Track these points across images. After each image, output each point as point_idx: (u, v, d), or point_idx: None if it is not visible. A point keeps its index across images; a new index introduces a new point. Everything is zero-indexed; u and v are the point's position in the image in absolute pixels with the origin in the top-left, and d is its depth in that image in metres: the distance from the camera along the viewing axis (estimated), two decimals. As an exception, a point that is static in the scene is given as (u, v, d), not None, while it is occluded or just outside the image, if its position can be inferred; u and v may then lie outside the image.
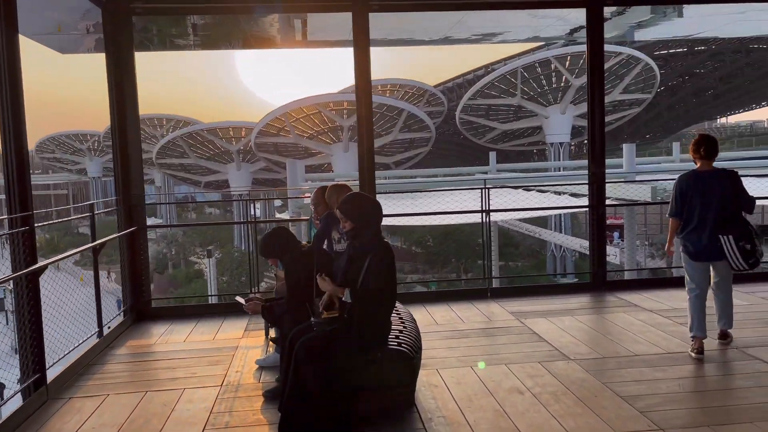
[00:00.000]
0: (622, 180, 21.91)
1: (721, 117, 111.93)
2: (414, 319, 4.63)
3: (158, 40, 8.72)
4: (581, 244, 32.49)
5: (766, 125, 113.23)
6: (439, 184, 31.06)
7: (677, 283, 7.17)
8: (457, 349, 5.25)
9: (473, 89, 54.05)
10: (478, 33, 9.45)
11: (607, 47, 51.73)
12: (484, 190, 6.93)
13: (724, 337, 5.18)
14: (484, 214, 7.15)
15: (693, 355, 4.89)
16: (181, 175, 72.76)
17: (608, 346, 5.20)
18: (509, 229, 47.69)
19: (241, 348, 5.51)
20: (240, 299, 4.82)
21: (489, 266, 7.40)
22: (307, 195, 21.79)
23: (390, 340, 3.94)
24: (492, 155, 39.49)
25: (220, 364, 5.07)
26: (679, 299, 6.45)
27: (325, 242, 4.88)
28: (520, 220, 43.16)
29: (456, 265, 54.37)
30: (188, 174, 71.41)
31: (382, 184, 34.88)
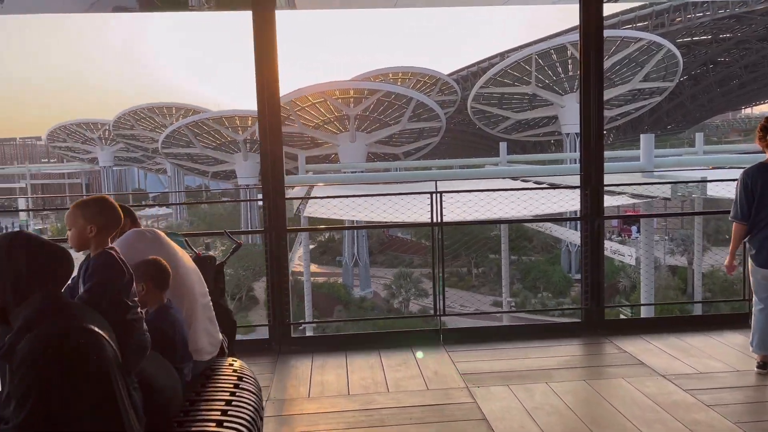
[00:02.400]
0: (637, 182, 19.74)
1: (746, 107, 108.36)
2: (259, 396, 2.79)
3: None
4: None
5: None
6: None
7: (709, 323, 5.24)
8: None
9: (485, 77, 51.87)
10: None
11: (627, 33, 49.38)
12: (434, 197, 5.02)
13: None
14: (435, 227, 5.23)
15: (757, 370, 4.34)
16: (188, 165, 71.44)
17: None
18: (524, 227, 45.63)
19: None
20: None
21: (442, 299, 5.44)
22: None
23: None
24: (502, 146, 37.38)
25: None
26: (714, 351, 4.54)
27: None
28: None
29: (467, 259, 52.51)
30: (195, 164, 70.05)
31: (387, 175, 33.16)
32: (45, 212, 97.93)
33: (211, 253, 3.67)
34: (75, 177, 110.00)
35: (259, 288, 46.00)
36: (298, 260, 62.78)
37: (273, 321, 4.88)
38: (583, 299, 5.21)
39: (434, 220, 5.12)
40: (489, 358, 4.68)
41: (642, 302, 18.14)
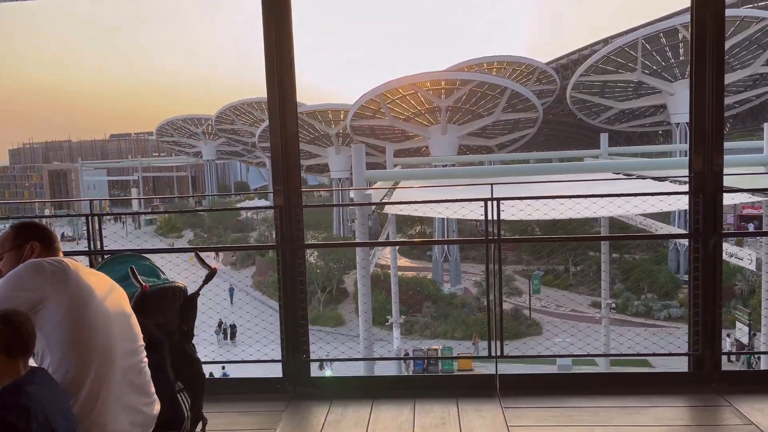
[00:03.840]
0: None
1: None
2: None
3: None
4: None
5: None
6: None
7: None
8: None
9: (586, 64, 48.94)
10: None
11: (747, 11, 44.81)
12: (490, 205, 3.85)
13: None
14: (490, 244, 4.06)
15: None
16: (283, 159, 72.82)
17: None
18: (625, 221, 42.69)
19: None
20: None
21: (500, 337, 4.28)
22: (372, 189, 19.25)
23: None
24: (603, 137, 34.88)
25: None
26: None
27: None
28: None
29: (565, 256, 49.98)
30: (289, 157, 71.23)
31: (474, 169, 31.75)
32: (155, 204, 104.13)
33: (179, 282, 2.77)
34: (182, 170, 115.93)
35: (350, 281, 45.96)
36: (387, 254, 62.62)
37: (287, 356, 3.98)
38: (692, 342, 3.89)
39: (489, 234, 3.95)
40: (558, 423, 3.52)
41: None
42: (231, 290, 42.84)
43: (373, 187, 18.40)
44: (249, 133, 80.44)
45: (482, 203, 3.85)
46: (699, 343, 3.86)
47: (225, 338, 33.30)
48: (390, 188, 25.85)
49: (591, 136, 58.56)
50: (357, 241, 17.37)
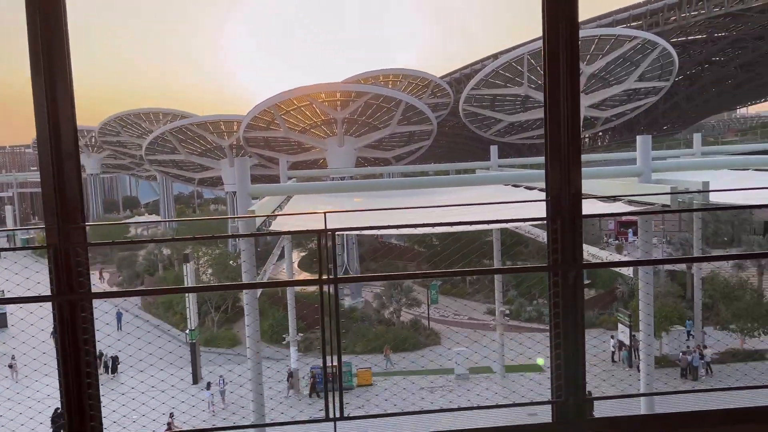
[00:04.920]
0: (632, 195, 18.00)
1: (741, 107, 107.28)
2: None
3: None
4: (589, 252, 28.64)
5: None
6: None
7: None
8: None
9: (476, 78, 50.37)
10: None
11: (621, 31, 47.80)
12: (323, 236, 3.21)
13: None
14: (324, 285, 3.43)
15: None
16: (173, 172, 69.67)
17: None
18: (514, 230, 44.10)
19: None
20: None
21: (340, 395, 3.65)
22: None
23: None
24: (493, 149, 35.81)
25: None
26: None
27: None
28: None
29: (461, 267, 50.90)
30: (181, 171, 68.28)
31: (378, 182, 31.44)
32: (34, 221, 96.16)
33: None
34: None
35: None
36: (283, 269, 61.22)
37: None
38: (555, 388, 3.48)
39: (322, 274, 3.30)
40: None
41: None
42: (119, 315, 40.00)
43: (251, 215, 17.40)
44: (137, 146, 76.38)
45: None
46: (562, 389, 3.46)
47: (106, 372, 30.83)
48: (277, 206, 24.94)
49: (485, 149, 60.39)
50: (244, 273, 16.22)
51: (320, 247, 3.21)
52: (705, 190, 16.48)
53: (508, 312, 39.10)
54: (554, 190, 3.48)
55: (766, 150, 42.79)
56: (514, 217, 13.74)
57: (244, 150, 58.09)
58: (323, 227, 3.18)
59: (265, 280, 20.37)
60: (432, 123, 52.47)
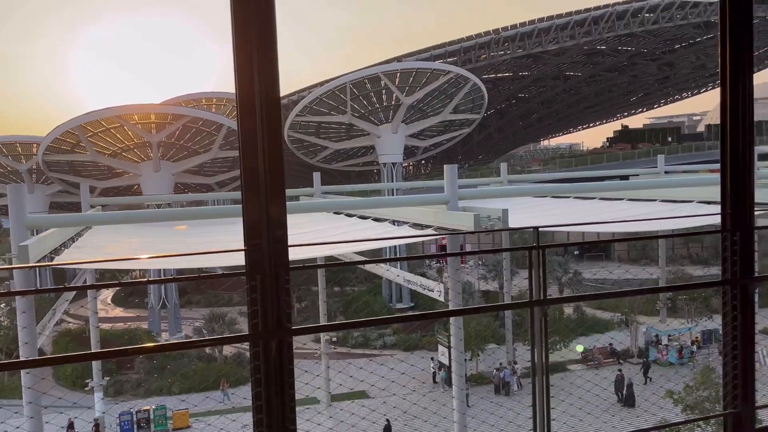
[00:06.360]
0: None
1: (544, 139, 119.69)
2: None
3: None
4: (406, 278, 29.31)
5: (582, 147, 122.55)
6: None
7: None
8: None
9: (301, 104, 50.19)
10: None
11: (435, 65, 50.56)
12: None
13: None
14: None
15: None
16: (-42, 200, 60.75)
17: None
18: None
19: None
20: None
21: None
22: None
23: None
24: (316, 176, 35.54)
25: None
26: None
27: None
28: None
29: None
30: (-33, 198, 59.72)
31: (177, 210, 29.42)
32: None
33: None
34: None
35: (43, 340, 39.22)
36: (101, 304, 55.59)
37: None
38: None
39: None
40: None
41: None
42: None
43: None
44: None
45: None
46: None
47: None
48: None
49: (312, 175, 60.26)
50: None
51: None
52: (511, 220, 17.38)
53: (335, 339, 38.84)
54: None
55: (563, 178, 47.59)
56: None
57: (45, 175, 52.31)
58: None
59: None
60: (256, 149, 51.15)
